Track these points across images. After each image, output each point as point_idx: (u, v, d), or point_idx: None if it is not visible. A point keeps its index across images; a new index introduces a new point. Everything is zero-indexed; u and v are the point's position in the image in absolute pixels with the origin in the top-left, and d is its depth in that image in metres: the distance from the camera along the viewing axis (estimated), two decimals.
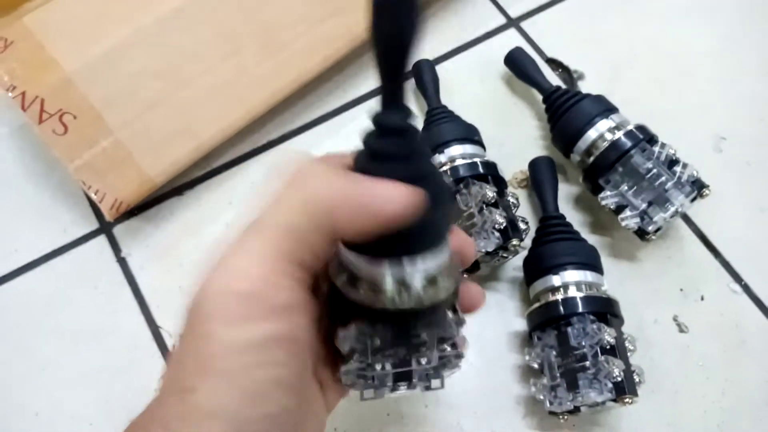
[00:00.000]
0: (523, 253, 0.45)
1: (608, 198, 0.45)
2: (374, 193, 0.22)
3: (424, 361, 0.26)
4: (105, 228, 0.49)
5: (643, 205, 0.44)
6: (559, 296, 0.41)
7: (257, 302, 0.21)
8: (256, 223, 0.22)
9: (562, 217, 0.46)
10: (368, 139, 0.24)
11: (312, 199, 0.22)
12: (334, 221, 0.22)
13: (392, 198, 0.22)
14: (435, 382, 0.27)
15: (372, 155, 0.24)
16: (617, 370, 0.38)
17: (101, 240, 0.49)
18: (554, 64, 0.56)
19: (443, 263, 0.25)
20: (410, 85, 0.54)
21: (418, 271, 0.24)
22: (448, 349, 0.27)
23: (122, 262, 0.48)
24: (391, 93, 0.24)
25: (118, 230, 0.49)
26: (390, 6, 0.22)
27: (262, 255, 0.21)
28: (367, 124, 0.24)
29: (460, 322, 0.27)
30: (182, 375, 0.21)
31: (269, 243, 0.21)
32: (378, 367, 0.26)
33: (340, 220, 0.22)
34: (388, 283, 0.24)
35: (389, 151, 0.24)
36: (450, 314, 0.27)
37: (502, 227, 0.41)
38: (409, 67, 0.24)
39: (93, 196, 0.45)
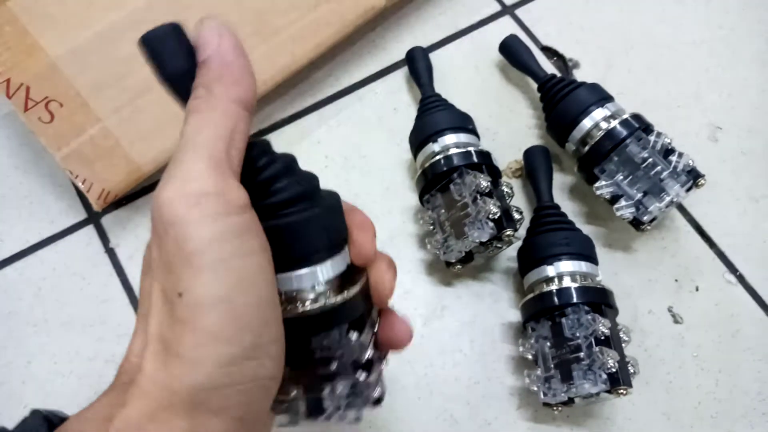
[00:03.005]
0: (518, 244, 0.45)
1: (603, 188, 0.44)
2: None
3: (338, 389, 0.25)
4: (93, 218, 0.48)
5: (639, 195, 0.44)
6: (554, 287, 0.41)
7: (218, 200, 0.21)
8: (188, 138, 0.22)
9: (557, 206, 0.46)
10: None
11: (216, 105, 0.23)
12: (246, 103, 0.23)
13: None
14: (350, 414, 0.26)
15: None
16: (612, 361, 0.37)
17: (89, 230, 0.48)
18: (549, 52, 0.55)
19: (329, 275, 0.25)
20: (404, 73, 0.54)
21: (310, 278, 0.25)
22: (362, 376, 0.26)
23: (111, 253, 0.47)
24: None
25: (106, 220, 0.48)
26: (164, 45, 0.23)
27: (206, 161, 0.22)
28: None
29: (363, 345, 0.26)
30: (166, 286, 0.21)
31: (208, 150, 0.22)
32: (291, 392, 0.25)
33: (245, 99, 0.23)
34: (282, 293, 0.24)
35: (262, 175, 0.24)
36: (355, 335, 0.26)
37: (496, 217, 0.41)
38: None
39: (80, 186, 0.44)
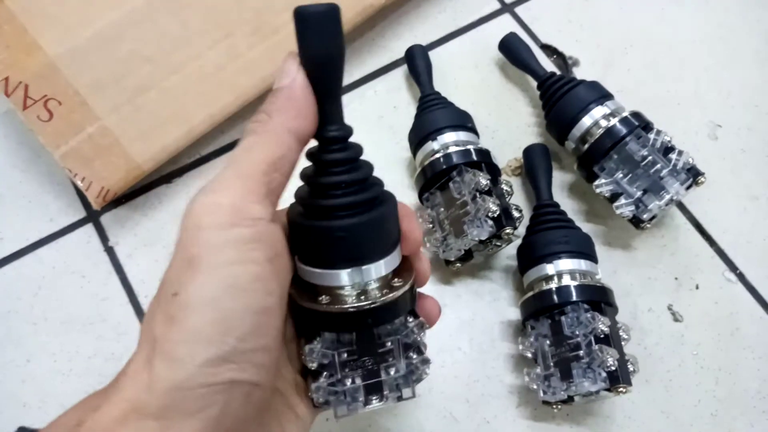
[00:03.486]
0: (517, 242, 0.45)
1: (603, 186, 0.44)
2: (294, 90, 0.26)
3: (392, 371, 0.27)
4: (92, 216, 0.48)
5: (638, 193, 0.43)
6: (553, 285, 0.41)
7: (237, 212, 0.23)
8: (235, 154, 0.24)
9: (557, 205, 0.46)
10: (313, 155, 0.26)
11: (271, 131, 0.25)
12: (297, 133, 0.25)
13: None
14: (406, 392, 0.28)
15: (319, 166, 0.26)
16: (611, 360, 0.37)
17: (88, 229, 0.48)
18: (549, 50, 0.55)
19: (395, 265, 0.27)
20: (403, 71, 0.54)
21: (373, 272, 0.26)
22: (414, 355, 0.28)
23: (110, 251, 0.47)
24: (329, 111, 0.26)
25: (105, 219, 0.48)
26: (315, 26, 0.24)
27: (238, 176, 0.24)
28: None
29: (421, 326, 0.28)
30: (168, 286, 0.23)
31: (245, 167, 0.24)
32: (348, 381, 0.27)
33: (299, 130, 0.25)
34: (346, 286, 0.26)
35: (335, 158, 0.26)
36: (410, 319, 0.28)
37: (495, 215, 0.41)
38: (341, 84, 0.26)
39: (79, 184, 0.44)
